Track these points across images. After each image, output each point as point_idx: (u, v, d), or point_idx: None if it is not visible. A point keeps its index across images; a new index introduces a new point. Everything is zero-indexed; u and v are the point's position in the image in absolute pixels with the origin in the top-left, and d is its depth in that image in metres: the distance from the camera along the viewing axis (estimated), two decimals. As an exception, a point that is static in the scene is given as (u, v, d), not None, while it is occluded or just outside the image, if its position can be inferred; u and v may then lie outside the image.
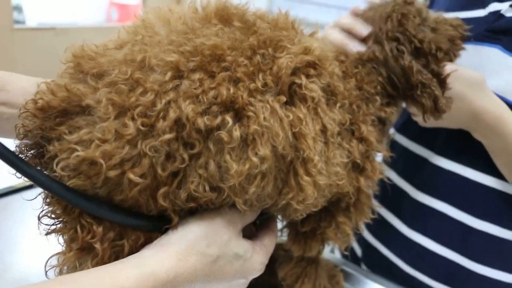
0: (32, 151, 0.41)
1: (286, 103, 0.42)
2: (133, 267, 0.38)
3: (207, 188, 0.39)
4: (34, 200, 0.42)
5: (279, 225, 0.55)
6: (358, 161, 0.51)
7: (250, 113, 0.39)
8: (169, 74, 0.38)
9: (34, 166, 0.39)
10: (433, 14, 0.62)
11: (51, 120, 0.39)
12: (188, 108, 0.37)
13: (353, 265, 0.82)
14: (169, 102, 0.38)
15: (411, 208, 0.80)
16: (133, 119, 0.37)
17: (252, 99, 0.40)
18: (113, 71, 0.39)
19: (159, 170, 0.38)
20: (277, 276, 0.66)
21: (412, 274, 0.80)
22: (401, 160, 0.81)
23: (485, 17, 0.70)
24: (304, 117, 0.42)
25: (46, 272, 0.41)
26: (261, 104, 0.40)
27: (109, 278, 0.36)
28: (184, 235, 0.41)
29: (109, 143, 0.37)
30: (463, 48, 0.64)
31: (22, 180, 0.41)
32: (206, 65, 0.40)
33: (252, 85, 0.40)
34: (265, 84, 0.41)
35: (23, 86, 0.50)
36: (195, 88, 0.38)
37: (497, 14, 0.69)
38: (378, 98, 0.56)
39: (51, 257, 0.41)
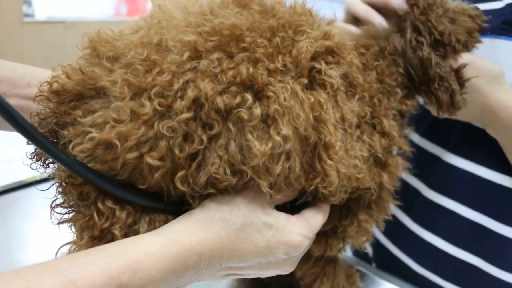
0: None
1: (306, 87, 0.42)
2: (155, 235, 0.37)
3: (228, 171, 0.39)
4: (45, 195, 0.41)
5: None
6: (380, 155, 0.50)
7: (270, 93, 0.39)
8: (186, 54, 0.38)
9: (69, 155, 0.38)
10: (452, 3, 0.61)
11: (65, 104, 0.38)
12: (207, 86, 0.37)
13: (366, 264, 0.82)
14: (187, 82, 0.37)
15: (423, 206, 0.79)
16: (149, 99, 0.37)
17: (271, 79, 0.39)
18: (129, 53, 0.39)
19: (177, 151, 0.37)
20: (293, 275, 0.65)
21: (423, 274, 0.79)
22: (413, 158, 0.80)
23: (502, 9, 0.68)
24: (324, 102, 0.42)
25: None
26: (281, 84, 0.40)
27: (133, 245, 0.35)
28: (206, 206, 0.41)
29: (125, 123, 0.36)
30: (480, 41, 0.62)
31: (31, 175, 0.41)
32: (224, 45, 0.39)
33: (271, 66, 0.40)
34: (284, 66, 0.41)
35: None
36: (213, 67, 0.38)
37: None
38: (399, 90, 0.55)
39: (62, 246, 0.41)
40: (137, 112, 0.36)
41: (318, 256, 0.62)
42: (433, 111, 0.60)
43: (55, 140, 0.40)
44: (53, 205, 0.41)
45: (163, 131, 0.36)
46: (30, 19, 2.93)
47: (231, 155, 0.38)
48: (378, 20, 0.59)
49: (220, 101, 0.37)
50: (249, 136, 0.38)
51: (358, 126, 0.48)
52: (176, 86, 0.37)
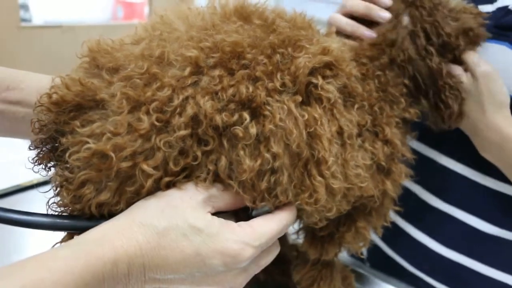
0: (47, 146, 0.41)
1: (302, 102, 0.42)
2: (61, 248, 0.35)
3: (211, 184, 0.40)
4: (42, 198, 0.42)
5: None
6: (383, 163, 0.50)
7: (267, 112, 0.39)
8: (188, 70, 0.38)
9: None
10: (453, 2, 0.60)
11: (65, 114, 0.39)
12: (207, 104, 0.37)
13: (361, 264, 0.82)
14: (186, 98, 0.38)
15: (418, 209, 0.78)
16: (148, 113, 0.37)
17: (269, 99, 0.40)
18: (129, 65, 0.39)
19: (172, 165, 0.38)
20: (289, 275, 0.65)
21: (418, 275, 0.79)
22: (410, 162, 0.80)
23: (493, 13, 0.68)
24: (319, 117, 0.42)
25: None
26: (278, 104, 0.40)
27: (34, 263, 0.33)
28: (130, 208, 0.38)
29: (121, 136, 0.37)
30: (485, 37, 0.62)
31: (29, 178, 0.41)
32: (225, 62, 0.40)
33: (270, 85, 0.40)
34: (283, 84, 0.41)
35: (38, 84, 0.50)
36: (214, 85, 0.38)
37: (505, 10, 0.67)
38: (403, 100, 0.55)
39: (55, 244, 0.41)
40: (134, 126, 0.37)
41: (315, 260, 0.62)
42: (438, 121, 0.60)
43: (55, 145, 0.41)
44: (50, 203, 0.41)
45: (160, 145, 0.37)
46: (27, 23, 2.93)
47: (220, 170, 0.39)
48: (367, 34, 0.59)
49: (219, 119, 0.37)
50: (241, 152, 0.38)
51: (359, 135, 0.48)
52: (175, 102, 0.37)
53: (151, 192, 0.39)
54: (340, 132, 0.44)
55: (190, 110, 0.37)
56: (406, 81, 0.56)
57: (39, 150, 0.42)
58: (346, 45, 0.56)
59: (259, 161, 0.39)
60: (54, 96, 0.39)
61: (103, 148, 0.36)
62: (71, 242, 0.36)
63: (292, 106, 0.41)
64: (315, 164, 0.42)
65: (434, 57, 0.55)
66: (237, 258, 0.38)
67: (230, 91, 0.38)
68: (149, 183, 0.38)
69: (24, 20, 2.89)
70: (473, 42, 0.60)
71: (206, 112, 0.37)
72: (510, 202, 0.69)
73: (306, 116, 0.41)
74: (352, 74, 0.48)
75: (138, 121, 0.37)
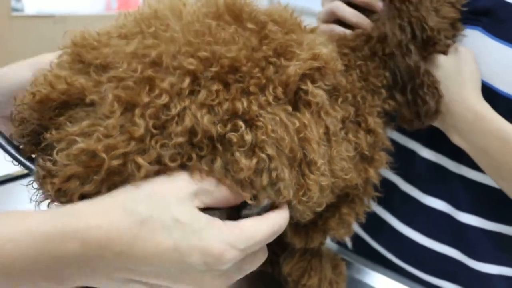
0: (28, 138, 0.40)
1: (292, 108, 0.43)
2: (43, 214, 0.34)
3: None
4: (22, 192, 0.41)
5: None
6: (366, 152, 0.51)
7: (259, 123, 0.39)
8: (187, 81, 0.38)
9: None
10: None
11: (50, 111, 0.38)
12: (204, 117, 0.37)
13: (350, 253, 0.82)
14: (184, 109, 0.37)
15: (401, 200, 0.79)
16: (143, 118, 0.36)
17: (262, 112, 0.40)
18: (121, 64, 0.38)
19: (168, 162, 0.37)
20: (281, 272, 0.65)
21: (404, 267, 0.79)
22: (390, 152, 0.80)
23: None
24: (308, 123, 0.42)
25: None
26: (270, 116, 0.40)
27: (18, 219, 0.32)
28: (117, 191, 0.36)
29: (114, 137, 0.36)
30: (462, 30, 0.63)
31: (19, 168, 0.41)
32: (223, 76, 0.39)
33: (263, 99, 0.40)
34: (275, 97, 0.41)
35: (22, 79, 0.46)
36: (212, 100, 0.38)
37: None
38: (383, 91, 0.56)
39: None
40: (128, 130, 0.36)
41: (302, 250, 0.62)
42: (413, 118, 0.60)
43: (37, 137, 0.39)
44: (33, 196, 0.40)
45: (155, 147, 0.36)
46: (19, 13, 2.90)
47: (216, 170, 0.39)
48: (368, 25, 0.60)
49: (214, 131, 0.37)
50: (237, 153, 0.38)
51: (342, 128, 0.49)
52: (173, 111, 0.37)
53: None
54: (326, 132, 0.45)
55: (189, 122, 0.37)
56: (387, 74, 0.57)
57: (19, 144, 0.40)
58: (331, 39, 0.56)
59: (255, 160, 0.39)
60: (38, 95, 0.38)
61: (94, 148, 0.35)
62: (52, 209, 0.35)
63: (283, 115, 0.41)
64: (307, 164, 0.42)
65: (413, 54, 0.56)
66: (219, 259, 0.36)
67: (226, 105, 0.38)
68: (141, 174, 0.37)
69: (15, 9, 2.86)
70: (453, 35, 0.61)
71: (203, 125, 0.37)
72: (491, 193, 0.69)
73: (297, 124, 0.42)
74: (337, 70, 0.48)
75: (133, 125, 0.36)
